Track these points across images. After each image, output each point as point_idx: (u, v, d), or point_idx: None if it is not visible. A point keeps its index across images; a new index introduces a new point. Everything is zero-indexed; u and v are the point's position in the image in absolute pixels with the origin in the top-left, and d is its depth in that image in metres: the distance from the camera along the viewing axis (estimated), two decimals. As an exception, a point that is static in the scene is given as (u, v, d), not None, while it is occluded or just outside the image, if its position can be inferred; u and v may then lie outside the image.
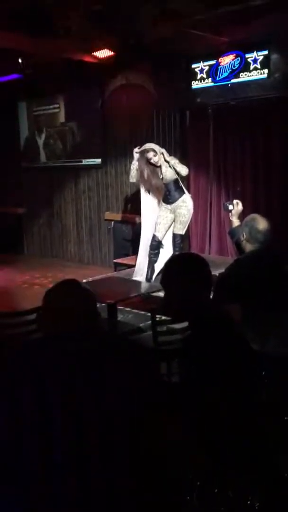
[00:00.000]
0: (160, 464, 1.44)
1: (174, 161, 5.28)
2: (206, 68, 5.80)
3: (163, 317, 3.09)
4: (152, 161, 5.25)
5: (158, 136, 6.53)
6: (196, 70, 5.90)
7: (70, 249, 8.16)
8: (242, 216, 3.13)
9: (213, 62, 5.70)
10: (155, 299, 4.35)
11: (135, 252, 6.80)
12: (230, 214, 3.23)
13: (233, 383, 1.68)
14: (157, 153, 5.26)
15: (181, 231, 5.43)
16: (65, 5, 4.81)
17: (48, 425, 1.25)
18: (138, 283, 5.06)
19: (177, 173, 5.29)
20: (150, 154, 5.26)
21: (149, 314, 4.77)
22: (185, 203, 5.38)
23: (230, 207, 3.23)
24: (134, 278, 5.48)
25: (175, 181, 5.36)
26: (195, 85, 5.95)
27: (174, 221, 5.45)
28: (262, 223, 2.57)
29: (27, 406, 1.26)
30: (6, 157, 8.55)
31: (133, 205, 7.07)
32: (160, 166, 5.31)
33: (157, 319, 3.00)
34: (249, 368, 1.75)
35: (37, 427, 1.26)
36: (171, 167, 5.27)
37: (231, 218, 3.21)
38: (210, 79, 5.77)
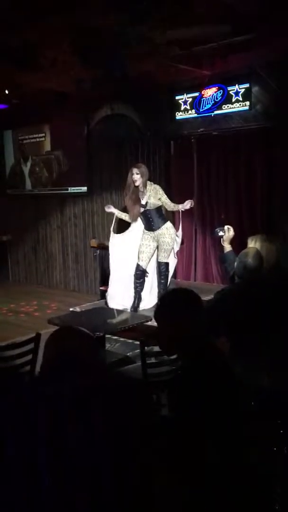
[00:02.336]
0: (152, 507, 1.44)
1: (165, 196, 5.36)
2: (190, 100, 5.95)
3: (152, 348, 3.10)
4: (133, 177, 5.24)
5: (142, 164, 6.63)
6: (180, 101, 6.05)
7: (56, 276, 8.14)
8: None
9: (196, 94, 5.86)
10: (143, 329, 4.35)
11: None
12: (221, 239, 3.29)
13: (220, 419, 1.69)
14: (141, 174, 5.23)
15: (166, 259, 5.43)
16: (50, 40, 4.93)
17: (36, 466, 1.24)
18: (126, 313, 5.05)
19: (164, 205, 5.33)
20: (134, 170, 5.27)
21: (137, 342, 4.79)
22: (168, 231, 5.38)
23: (221, 233, 3.29)
24: (110, 306, 5.44)
25: (158, 209, 5.36)
26: (179, 115, 6.09)
27: (158, 249, 5.46)
28: (255, 260, 2.61)
29: (14, 446, 1.25)
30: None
31: (119, 233, 7.12)
32: (142, 191, 5.31)
33: (146, 349, 3.01)
34: (236, 404, 1.76)
35: (24, 469, 1.25)
36: (159, 200, 5.29)
37: (222, 244, 3.27)
38: (193, 111, 5.92)
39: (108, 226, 7.31)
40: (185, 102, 6.02)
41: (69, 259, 7.93)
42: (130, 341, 4.82)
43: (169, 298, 1.82)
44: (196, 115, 5.92)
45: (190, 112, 5.98)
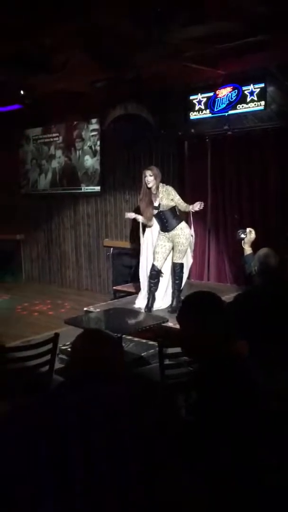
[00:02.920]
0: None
1: (178, 196, 5.34)
2: (204, 99, 5.95)
3: (166, 349, 3.11)
4: (146, 179, 5.27)
5: (156, 165, 6.62)
6: (194, 101, 6.04)
7: (69, 276, 8.19)
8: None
9: (211, 94, 5.86)
10: (157, 330, 4.36)
11: (134, 279, 6.84)
12: (242, 242, 3.29)
13: (239, 422, 1.69)
14: (154, 176, 5.25)
15: (180, 259, 5.41)
16: (65, 41, 4.95)
17: (65, 478, 1.26)
18: (143, 314, 5.05)
19: (177, 205, 5.33)
20: (147, 172, 5.29)
21: (151, 342, 4.81)
22: (183, 231, 5.36)
23: (243, 235, 3.29)
24: (137, 305, 5.49)
25: (172, 210, 5.34)
26: (193, 115, 6.09)
27: (172, 250, 5.46)
28: (274, 259, 2.62)
29: (47, 450, 1.27)
30: (5, 184, 8.64)
31: (132, 232, 7.14)
32: (155, 193, 5.31)
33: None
34: (255, 407, 1.76)
35: (55, 472, 1.26)
36: (172, 200, 5.29)
37: (243, 246, 3.28)
38: (208, 110, 5.91)
39: (121, 226, 7.36)
40: (199, 102, 6.02)
41: (82, 258, 7.97)
42: (144, 341, 4.84)
43: (194, 300, 1.83)
44: (210, 115, 5.91)
45: (204, 112, 5.97)
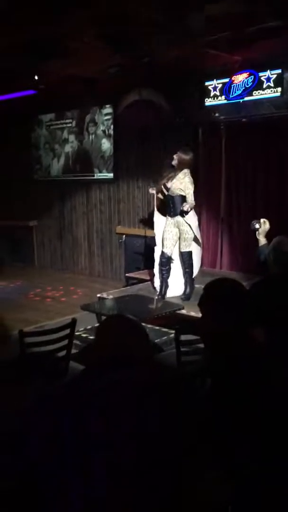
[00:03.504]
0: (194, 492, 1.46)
1: (190, 192, 5.25)
2: (220, 85, 5.88)
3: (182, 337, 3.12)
4: (173, 162, 5.30)
5: (170, 152, 6.59)
6: (210, 87, 5.98)
7: (81, 262, 8.22)
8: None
9: (227, 80, 5.78)
10: (170, 317, 4.38)
11: (146, 266, 6.85)
12: (257, 232, 3.27)
13: (255, 412, 1.70)
14: (179, 158, 5.25)
15: (187, 248, 5.38)
16: (79, 26, 4.91)
17: (90, 456, 1.27)
18: (158, 300, 5.04)
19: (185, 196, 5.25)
20: (176, 154, 5.30)
21: (164, 329, 4.82)
22: (187, 219, 5.32)
23: (257, 225, 3.27)
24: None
25: (182, 198, 5.28)
26: (208, 102, 6.02)
27: (179, 238, 5.43)
28: None
29: (70, 433, 1.29)
30: (18, 170, 8.65)
31: (144, 220, 7.13)
32: (173, 175, 5.30)
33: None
34: (272, 397, 1.76)
35: (78, 457, 1.28)
36: (183, 189, 5.23)
37: (257, 237, 3.25)
38: (223, 97, 5.84)
39: (134, 213, 7.35)
40: (214, 88, 5.94)
41: (94, 245, 7.98)
42: (157, 328, 4.86)
43: (217, 287, 1.82)
44: (225, 101, 5.84)
45: (219, 98, 5.90)
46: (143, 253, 6.97)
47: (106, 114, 7.37)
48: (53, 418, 1.29)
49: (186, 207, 5.13)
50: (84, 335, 4.77)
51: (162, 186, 5.39)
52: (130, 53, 5.56)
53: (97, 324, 4.88)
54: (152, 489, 1.26)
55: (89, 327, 5.04)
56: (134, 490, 1.25)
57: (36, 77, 6.00)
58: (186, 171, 5.27)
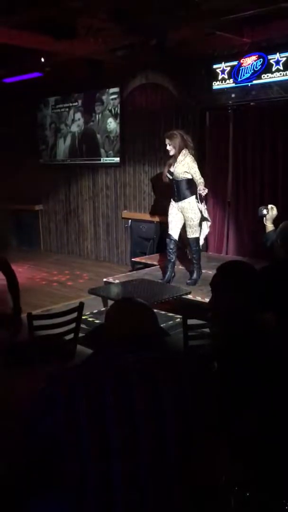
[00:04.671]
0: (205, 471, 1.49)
1: (195, 170, 5.14)
2: (228, 69, 5.81)
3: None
4: (167, 147, 5.20)
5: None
6: (218, 70, 5.91)
7: (87, 247, 8.23)
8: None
9: (235, 63, 5.71)
10: (175, 301, 4.38)
11: (152, 251, 6.87)
12: (264, 218, 3.25)
13: (262, 398, 1.71)
14: (173, 145, 5.13)
15: (193, 234, 5.30)
16: (88, 5, 4.84)
17: (104, 438, 1.30)
18: (166, 285, 5.03)
19: (193, 178, 5.15)
20: (166, 141, 5.19)
21: (170, 314, 4.85)
22: (190, 205, 5.22)
23: (264, 211, 3.25)
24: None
25: (188, 181, 5.19)
26: (216, 85, 5.96)
27: (185, 224, 5.36)
28: None
29: (85, 416, 1.31)
30: (24, 154, 8.62)
31: (151, 204, 7.12)
32: (172, 159, 5.20)
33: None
34: (280, 383, 1.77)
35: (94, 438, 1.30)
36: (187, 170, 5.14)
37: (265, 223, 3.24)
38: (231, 80, 5.78)
39: (140, 198, 7.33)
40: (223, 71, 5.87)
41: (100, 229, 7.99)
42: (163, 312, 4.88)
43: (230, 269, 1.83)
44: (234, 84, 5.78)
45: (228, 81, 5.84)
46: (148, 238, 6.97)
47: (113, 94, 7.31)
48: (67, 397, 1.30)
49: (202, 190, 4.99)
50: (90, 319, 4.81)
51: (166, 172, 5.31)
52: (139, 33, 5.50)
53: (103, 308, 4.91)
54: (165, 465, 1.28)
55: (95, 311, 5.07)
56: (148, 466, 1.28)
57: (42, 59, 5.95)
58: (184, 152, 5.15)
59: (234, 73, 5.76)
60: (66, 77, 7.21)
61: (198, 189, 5.06)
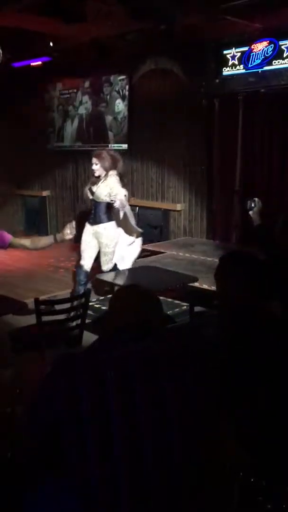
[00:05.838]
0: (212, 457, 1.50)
1: (117, 190, 4.67)
2: (238, 54, 5.74)
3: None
4: (92, 166, 4.83)
5: (185, 122, 6.52)
6: (228, 56, 5.84)
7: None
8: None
9: (246, 48, 5.64)
10: (179, 289, 4.38)
11: (161, 238, 6.86)
12: (251, 212, 3.21)
13: (271, 380, 1.72)
14: (100, 164, 4.74)
15: (107, 264, 4.84)
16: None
17: (108, 424, 1.31)
18: (172, 272, 5.00)
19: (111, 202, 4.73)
20: (93, 160, 4.81)
21: (177, 301, 4.85)
22: (106, 231, 4.84)
23: (252, 204, 3.21)
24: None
25: (107, 205, 4.79)
26: (226, 71, 5.89)
27: (99, 253, 4.95)
28: None
29: (87, 403, 1.32)
30: (32, 139, 8.59)
31: (158, 191, 7.09)
32: (97, 180, 4.84)
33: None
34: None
35: (98, 425, 1.31)
36: (109, 192, 4.72)
37: (252, 216, 3.20)
38: (241, 66, 5.71)
39: (148, 184, 7.30)
40: (233, 57, 5.80)
41: (107, 216, 7.96)
42: (170, 300, 4.89)
43: (233, 260, 1.83)
44: (244, 71, 5.71)
45: (238, 67, 5.77)
46: (156, 225, 6.95)
47: (121, 79, 7.24)
48: (69, 385, 1.32)
49: (117, 203, 4.53)
50: (97, 306, 4.82)
51: (87, 190, 4.94)
52: (148, 18, 5.43)
53: (109, 295, 4.92)
54: (169, 453, 1.29)
55: (101, 297, 5.09)
56: (151, 453, 1.29)
57: (51, 44, 5.90)
58: (111, 173, 4.81)
59: (244, 59, 5.68)
60: (74, 62, 7.14)
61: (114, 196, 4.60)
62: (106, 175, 4.79)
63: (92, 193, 4.86)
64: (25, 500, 1.47)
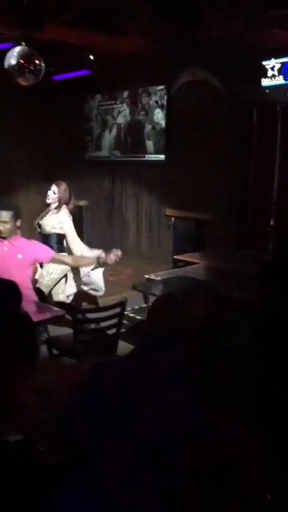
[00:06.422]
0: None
1: (68, 227, 4.57)
2: (278, 65, 5.69)
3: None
4: (49, 192, 4.60)
5: (222, 133, 6.50)
6: (267, 67, 5.80)
7: (129, 243, 8.28)
8: None
9: (286, 59, 5.59)
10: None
11: (194, 249, 6.83)
12: None
13: None
14: (58, 194, 4.58)
15: (46, 288, 4.33)
16: (135, 3, 4.85)
17: (140, 433, 1.31)
18: (206, 282, 4.99)
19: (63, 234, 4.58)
20: (52, 187, 4.59)
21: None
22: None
23: None
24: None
25: (57, 236, 4.60)
26: (265, 82, 5.85)
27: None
28: None
29: (119, 412, 1.32)
30: (70, 149, 8.75)
31: (194, 203, 7.08)
32: (46, 212, 4.62)
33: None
34: None
35: (127, 430, 1.31)
36: (56, 225, 4.55)
37: None
38: (281, 77, 5.66)
39: (184, 195, 7.30)
40: (272, 68, 5.76)
41: (143, 227, 8.01)
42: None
43: (272, 273, 1.81)
44: (284, 81, 5.66)
45: (277, 78, 5.72)
46: (190, 236, 6.94)
47: (160, 85, 7.30)
48: (102, 392, 1.33)
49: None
50: (131, 315, 4.84)
51: (36, 225, 4.69)
52: (185, 30, 5.47)
53: (144, 305, 4.93)
54: (200, 461, 1.28)
55: (136, 307, 5.10)
56: (181, 462, 1.28)
57: (91, 57, 6.01)
58: (64, 207, 4.66)
59: (284, 69, 5.64)
60: (113, 73, 7.25)
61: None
62: (58, 207, 4.64)
63: (39, 225, 4.65)
64: (55, 497, 1.49)
